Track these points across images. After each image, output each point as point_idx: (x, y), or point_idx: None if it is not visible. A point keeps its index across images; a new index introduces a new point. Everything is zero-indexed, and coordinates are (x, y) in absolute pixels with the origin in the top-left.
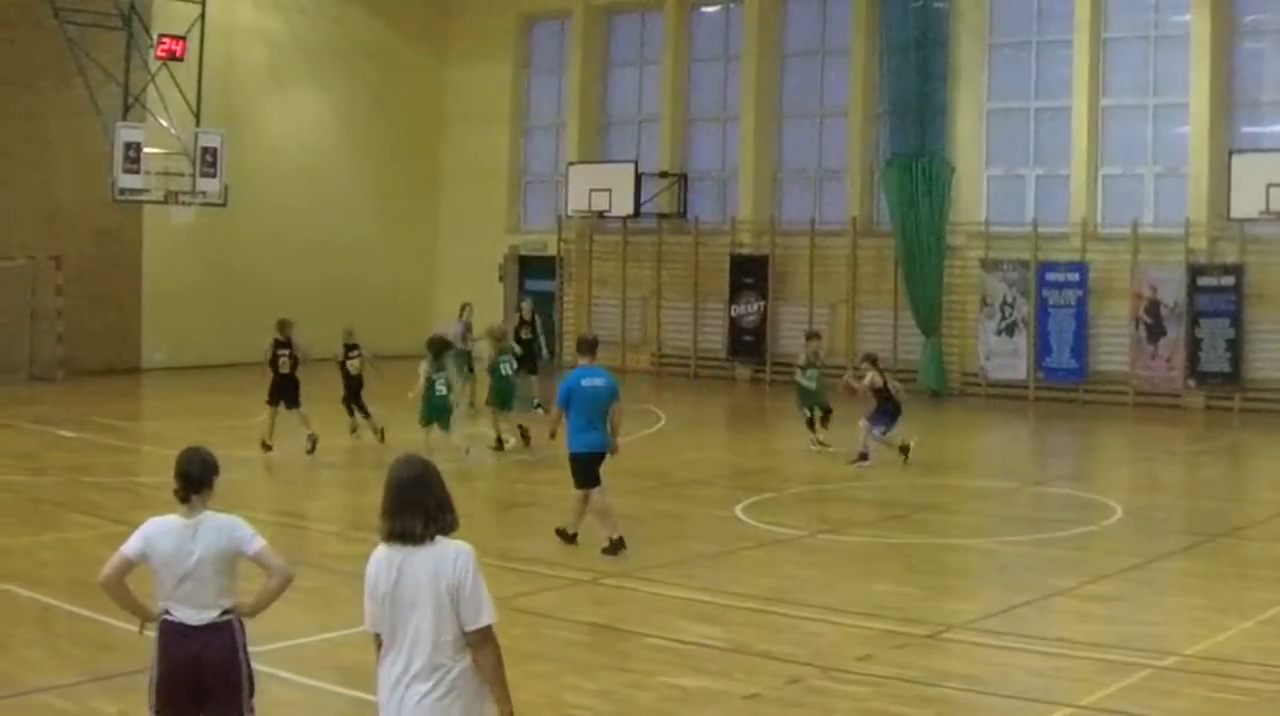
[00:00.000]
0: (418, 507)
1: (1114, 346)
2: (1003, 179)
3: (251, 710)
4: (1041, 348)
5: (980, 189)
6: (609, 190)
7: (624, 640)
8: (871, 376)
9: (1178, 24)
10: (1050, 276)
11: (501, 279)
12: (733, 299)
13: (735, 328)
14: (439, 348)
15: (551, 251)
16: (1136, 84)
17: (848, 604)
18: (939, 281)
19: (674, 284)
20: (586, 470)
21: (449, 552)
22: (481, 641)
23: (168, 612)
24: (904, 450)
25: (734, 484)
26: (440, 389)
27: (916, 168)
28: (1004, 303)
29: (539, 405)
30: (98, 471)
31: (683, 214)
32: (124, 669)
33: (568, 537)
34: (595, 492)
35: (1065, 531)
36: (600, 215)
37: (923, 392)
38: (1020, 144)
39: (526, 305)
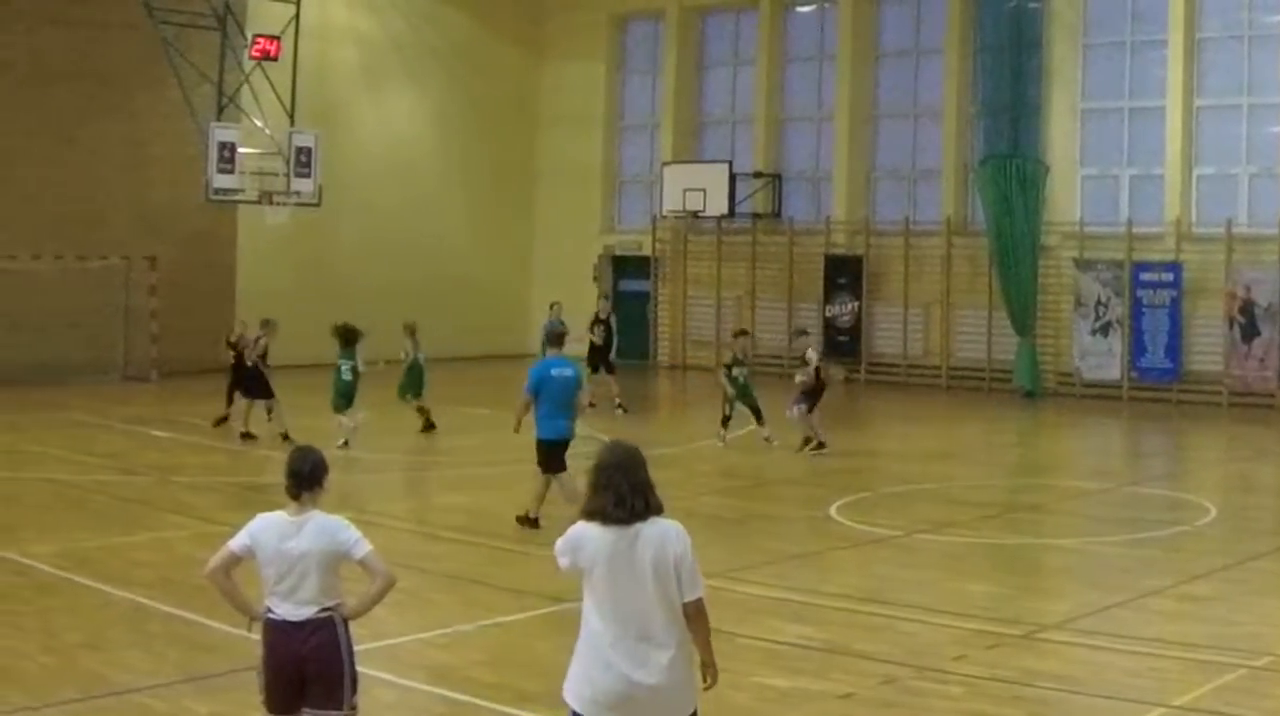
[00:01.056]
0: (639, 488)
1: (1208, 346)
2: (1097, 179)
3: (354, 708)
4: (1136, 348)
5: (1074, 189)
6: (703, 190)
7: (718, 640)
8: (810, 353)
9: (1272, 24)
10: (1144, 276)
11: (596, 279)
12: (827, 299)
13: (830, 328)
14: (348, 337)
15: (646, 251)
16: (1231, 84)
17: (942, 603)
18: (1033, 281)
19: (768, 284)
20: (554, 456)
21: (670, 530)
22: (697, 611)
23: (271, 610)
24: (806, 441)
25: (829, 484)
26: (346, 375)
27: (1011, 168)
28: (1098, 302)
29: (621, 405)
30: (190, 471)
31: (777, 214)
32: (218, 669)
33: (530, 522)
34: (564, 477)
35: (1159, 531)
36: (695, 215)
37: (1017, 393)
38: (1114, 144)
39: (603, 304)
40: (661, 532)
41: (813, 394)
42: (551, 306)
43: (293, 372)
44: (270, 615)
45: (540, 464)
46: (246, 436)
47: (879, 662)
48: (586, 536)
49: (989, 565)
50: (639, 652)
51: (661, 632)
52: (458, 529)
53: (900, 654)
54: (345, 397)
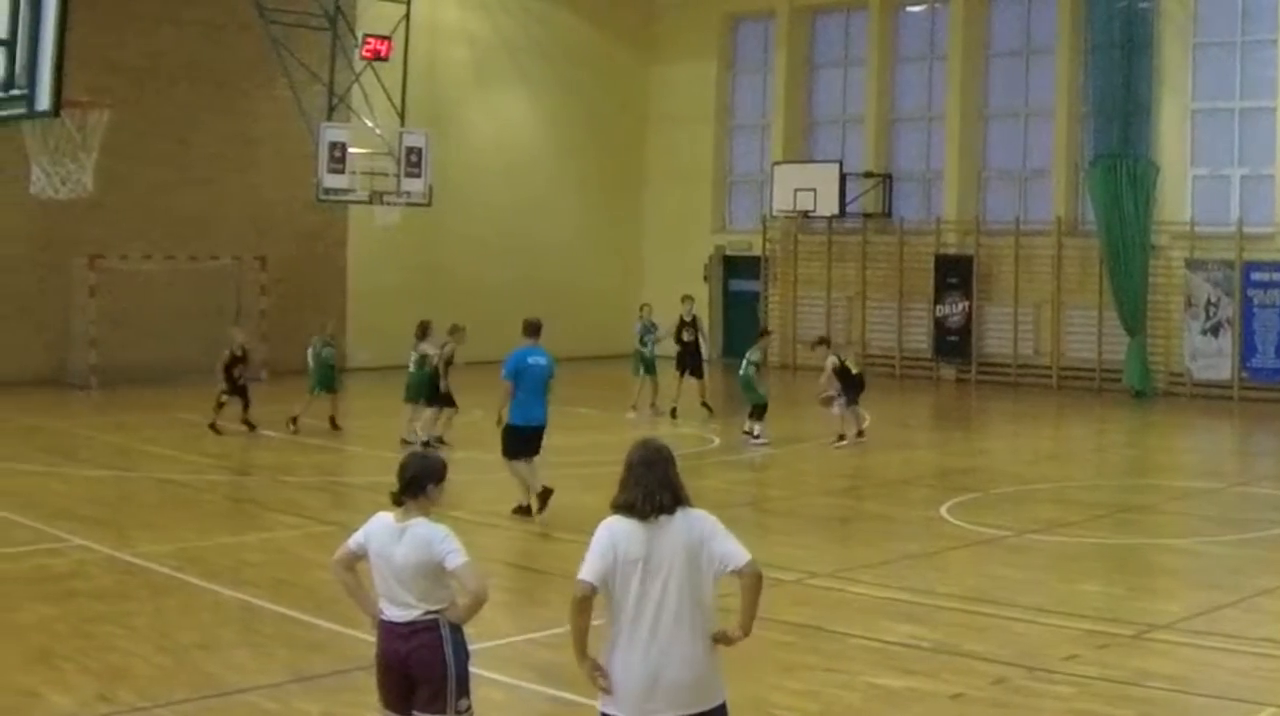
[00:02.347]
0: (667, 484)
1: None
2: (1207, 179)
3: (461, 710)
4: (1246, 348)
5: (1185, 189)
6: (814, 190)
7: (829, 640)
8: (831, 360)
9: None
10: (1255, 276)
11: (706, 279)
12: (937, 299)
13: (940, 327)
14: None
15: (756, 251)
16: None
17: (1053, 604)
18: (1143, 281)
19: (879, 284)
20: (524, 442)
21: (695, 516)
22: (752, 579)
23: (382, 611)
24: (860, 433)
25: (939, 484)
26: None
27: (1121, 168)
28: (1209, 303)
29: (706, 404)
30: (300, 471)
31: (887, 214)
32: (329, 669)
33: (524, 511)
34: (522, 465)
35: (1270, 531)
36: (805, 215)
37: (1127, 393)
38: (1225, 144)
39: (687, 306)
40: (688, 521)
41: (853, 387)
42: (641, 308)
43: (398, 373)
44: (381, 614)
45: (504, 450)
46: (428, 444)
47: (989, 663)
48: (618, 531)
49: (1099, 565)
50: (668, 643)
51: (689, 623)
52: (568, 528)
53: (1010, 654)
54: (418, 390)
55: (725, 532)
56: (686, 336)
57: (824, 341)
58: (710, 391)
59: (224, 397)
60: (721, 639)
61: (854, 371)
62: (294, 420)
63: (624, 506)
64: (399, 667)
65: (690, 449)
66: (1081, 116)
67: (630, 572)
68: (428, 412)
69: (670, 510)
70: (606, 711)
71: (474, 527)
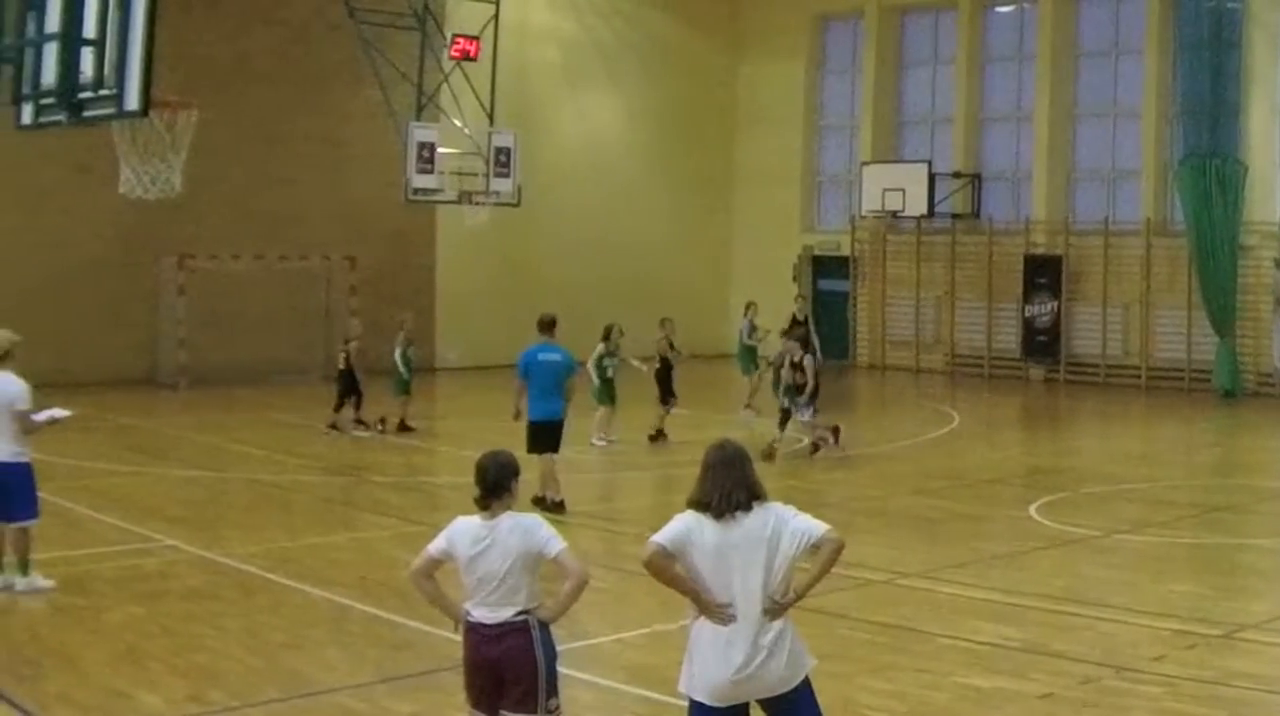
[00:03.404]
0: (742, 482)
1: None
2: None
3: (551, 711)
4: None
5: (1274, 189)
6: (902, 190)
7: (918, 640)
8: (803, 359)
9: None
10: None
11: (795, 279)
12: (1026, 299)
13: (1029, 327)
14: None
15: (845, 251)
16: None
17: (1141, 604)
18: (1233, 281)
19: (967, 284)
20: (541, 437)
21: (772, 507)
22: (834, 548)
23: (469, 613)
24: (816, 447)
25: (1028, 484)
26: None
27: (1210, 167)
28: None
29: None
30: (390, 471)
31: (976, 214)
32: (417, 669)
33: (542, 502)
34: (548, 458)
35: None
36: (894, 215)
37: (1216, 393)
38: None
39: (799, 305)
40: (764, 513)
41: (813, 394)
42: (747, 307)
43: (487, 373)
44: (469, 617)
45: (527, 445)
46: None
47: (1078, 663)
48: (694, 528)
49: (1188, 565)
50: (751, 632)
51: (769, 611)
52: (657, 528)
53: (1099, 654)
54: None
55: (799, 513)
56: (797, 335)
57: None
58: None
59: (346, 399)
60: (772, 610)
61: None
62: (400, 422)
63: (700, 504)
64: (489, 669)
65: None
66: (1170, 116)
67: (708, 566)
68: (601, 412)
69: (746, 507)
70: (694, 698)
71: (563, 527)
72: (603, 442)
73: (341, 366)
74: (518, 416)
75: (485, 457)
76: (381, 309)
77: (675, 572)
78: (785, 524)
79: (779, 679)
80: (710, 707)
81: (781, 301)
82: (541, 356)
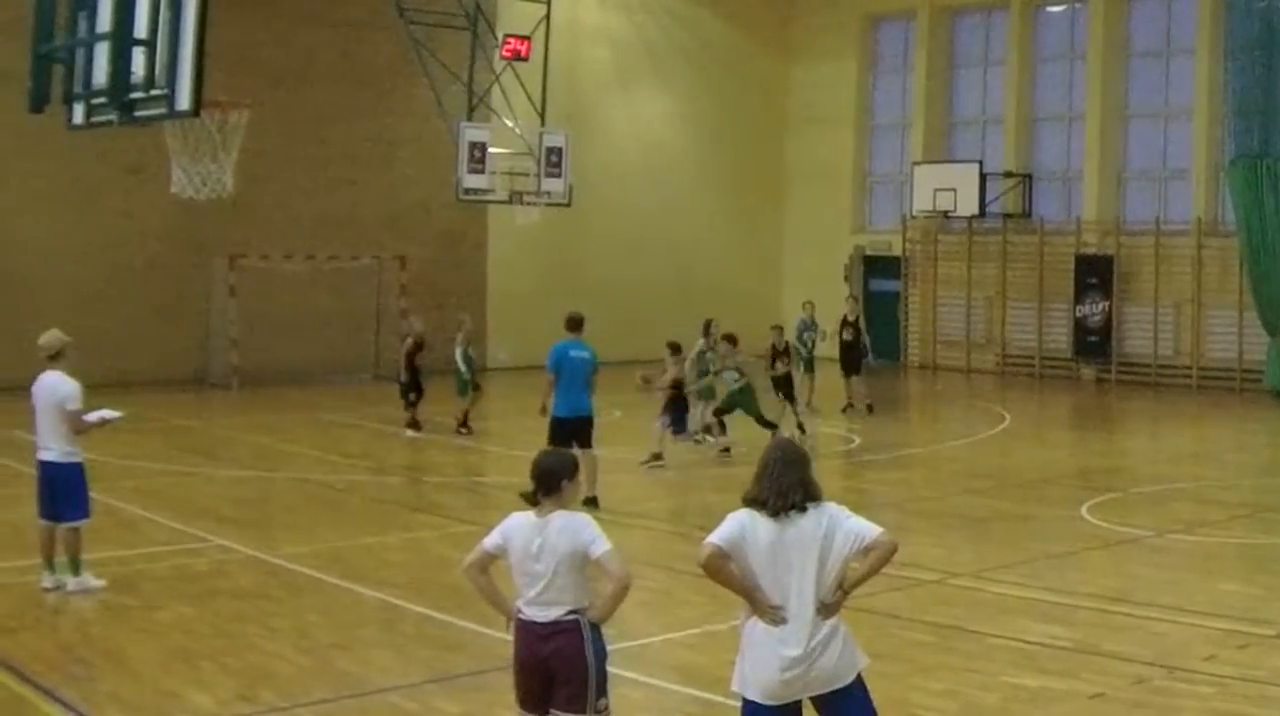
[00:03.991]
0: (800, 483)
1: None
2: None
3: (600, 711)
4: None
5: None
6: (954, 190)
7: (969, 640)
8: (674, 371)
9: None
10: None
11: (847, 279)
12: (1078, 299)
13: (1080, 327)
14: (731, 338)
15: (896, 251)
16: None
17: (1193, 603)
18: None
19: (1018, 284)
20: (570, 433)
21: (823, 508)
22: (886, 549)
23: (520, 611)
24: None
25: (1079, 484)
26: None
27: (1261, 168)
28: None
29: (871, 407)
30: (442, 471)
31: (1027, 214)
32: (468, 669)
33: (589, 501)
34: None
35: None
36: (945, 215)
37: (1268, 393)
38: None
39: (849, 305)
40: (818, 513)
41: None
42: (804, 305)
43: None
44: (520, 615)
45: (549, 440)
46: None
47: (1129, 663)
48: (749, 526)
49: (1240, 565)
50: (804, 631)
51: (822, 610)
52: (709, 528)
53: (1150, 654)
54: (712, 394)
55: (852, 514)
56: (847, 335)
57: (676, 349)
58: (860, 392)
59: (412, 395)
60: (823, 609)
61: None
62: (460, 421)
63: (756, 502)
64: (539, 668)
65: (832, 448)
66: (1221, 116)
67: (762, 564)
68: (701, 408)
69: (802, 507)
70: (747, 696)
71: (612, 527)
72: (707, 440)
73: (404, 364)
74: (544, 412)
75: (541, 456)
76: (432, 309)
77: (730, 572)
78: (839, 525)
79: (830, 676)
80: (763, 706)
81: (834, 302)
82: (573, 353)
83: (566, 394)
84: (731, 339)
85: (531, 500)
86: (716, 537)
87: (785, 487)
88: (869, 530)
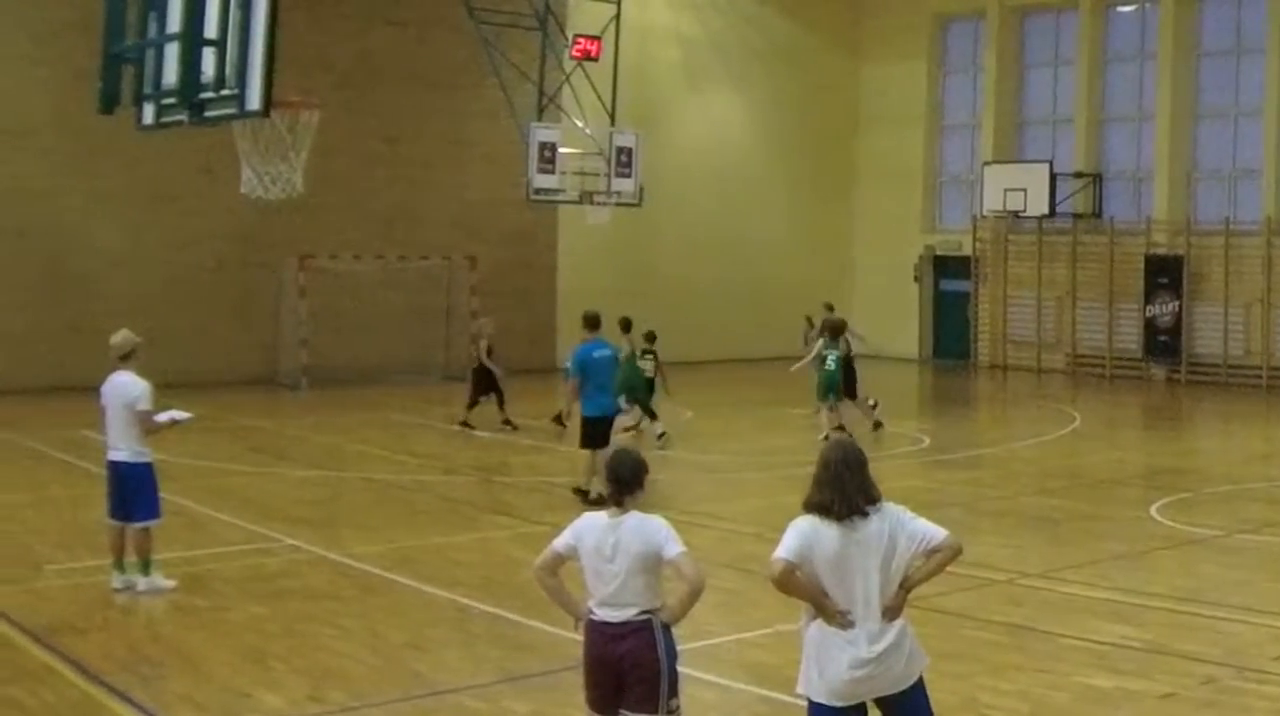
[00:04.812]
0: (862, 487)
1: None
2: None
3: (672, 710)
4: None
5: None
6: (1024, 190)
7: (1039, 640)
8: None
9: None
10: None
11: (917, 279)
12: (1147, 299)
13: (1150, 327)
14: (836, 329)
15: (967, 251)
16: None
17: (1263, 603)
18: None
19: (1089, 284)
20: (597, 432)
21: (885, 510)
22: (951, 546)
23: (592, 611)
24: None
25: (1149, 484)
26: (830, 365)
27: None
28: None
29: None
30: (511, 471)
31: (1097, 214)
32: (538, 669)
33: (584, 495)
34: (603, 454)
35: None
36: (1015, 215)
37: None
38: None
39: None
40: (880, 515)
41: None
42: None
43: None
44: (591, 615)
45: (583, 441)
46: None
47: (1200, 662)
48: (812, 534)
49: None
50: (870, 633)
51: (886, 612)
52: (779, 528)
53: (1220, 654)
54: (829, 388)
55: (915, 516)
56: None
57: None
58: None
59: (484, 397)
60: (888, 611)
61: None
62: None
63: (819, 507)
64: (610, 668)
65: (901, 448)
66: None
67: (828, 570)
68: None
69: (864, 512)
70: (814, 699)
71: (684, 527)
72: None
73: (475, 364)
74: (568, 416)
75: (616, 455)
76: (502, 309)
77: (801, 583)
78: (902, 527)
79: (897, 677)
80: (830, 707)
81: (904, 302)
82: (596, 353)
83: (596, 394)
84: (650, 337)
85: (611, 499)
86: (784, 552)
87: (849, 492)
88: (933, 532)
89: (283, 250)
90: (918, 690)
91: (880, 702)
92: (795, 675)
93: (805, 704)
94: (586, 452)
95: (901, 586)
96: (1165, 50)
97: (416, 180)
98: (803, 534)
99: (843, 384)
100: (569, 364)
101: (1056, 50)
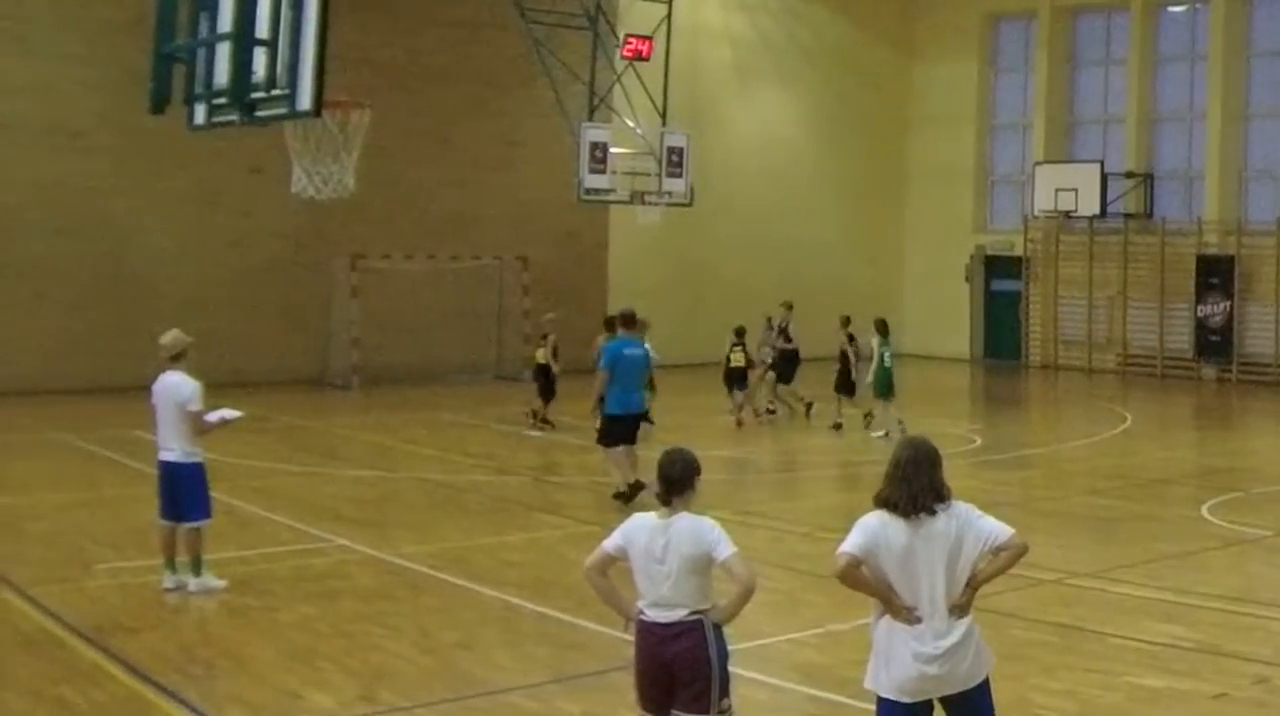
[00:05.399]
0: (932, 486)
1: None
2: None
3: (723, 710)
4: None
5: None
6: (1075, 190)
7: (1090, 640)
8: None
9: None
10: None
11: (968, 279)
12: (1199, 299)
13: (1201, 327)
14: (883, 326)
15: (1018, 251)
16: None
17: None
18: None
19: (1139, 284)
20: (623, 430)
21: (953, 508)
22: (1016, 546)
23: (642, 611)
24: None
25: (1200, 483)
26: (888, 362)
27: None
28: None
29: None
30: (563, 471)
31: (1148, 214)
32: (590, 669)
33: (626, 496)
34: (618, 452)
35: None
36: (1066, 215)
37: None
38: None
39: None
40: (949, 514)
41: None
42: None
43: (663, 373)
44: (641, 616)
45: (601, 438)
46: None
47: (1251, 663)
48: (880, 530)
49: None
50: (938, 630)
51: (953, 610)
52: (831, 528)
53: (1272, 654)
54: (886, 385)
55: (983, 514)
56: (782, 343)
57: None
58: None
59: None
60: (955, 608)
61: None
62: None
63: (889, 504)
64: (661, 669)
65: (951, 449)
66: None
67: (895, 566)
68: (879, 406)
69: (932, 511)
70: (882, 695)
71: (736, 527)
72: (881, 435)
73: (540, 361)
74: (597, 410)
75: (668, 455)
76: (553, 308)
77: (865, 579)
78: (970, 526)
79: (963, 675)
80: (897, 704)
81: (955, 302)
82: (627, 351)
83: (622, 391)
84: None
85: (663, 499)
86: (850, 546)
87: (917, 490)
88: (1000, 531)
89: (334, 250)
90: (983, 690)
91: (945, 701)
92: (847, 675)
93: (859, 702)
94: (614, 452)
95: (968, 585)
96: (1216, 50)
97: (468, 180)
98: (870, 529)
99: (782, 371)
100: (600, 359)
101: (1108, 50)
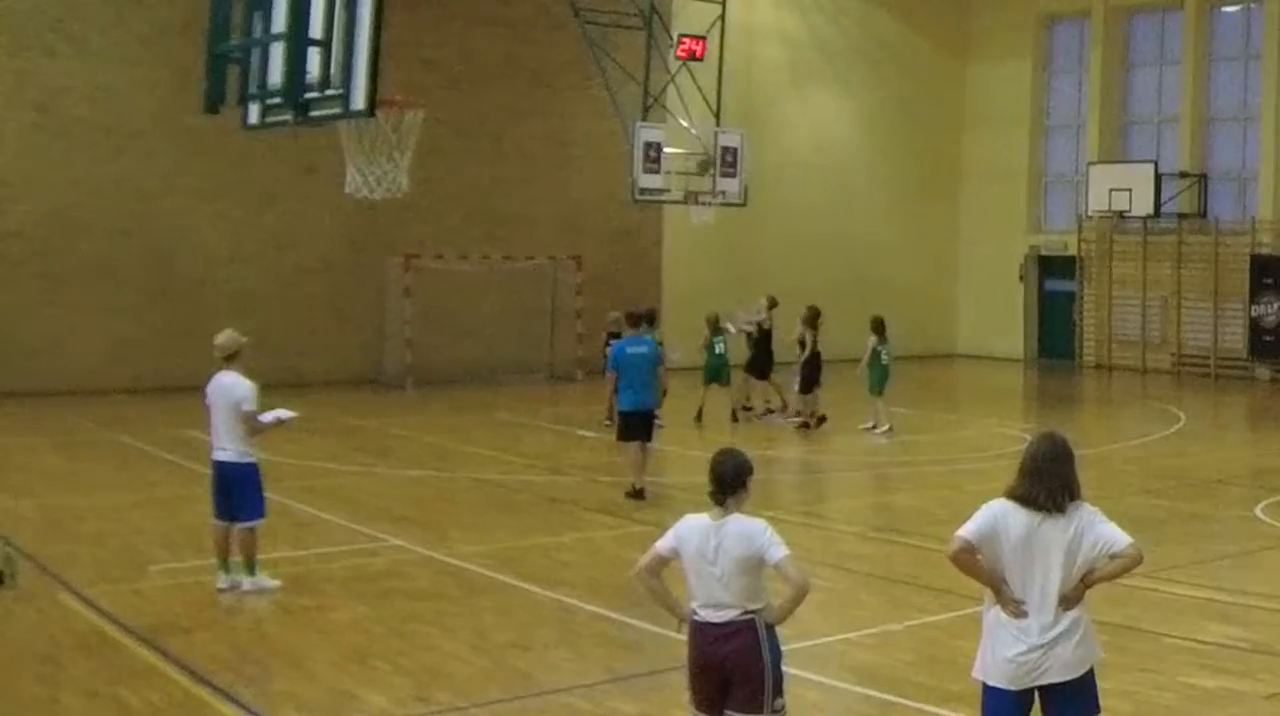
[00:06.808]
0: (1067, 484)
1: None
2: None
3: (777, 710)
4: None
5: None
6: (1129, 190)
7: (1143, 640)
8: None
9: None
10: None
11: (1022, 279)
12: (1253, 299)
13: (1255, 328)
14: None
15: (1072, 251)
16: None
17: None
18: None
19: (1193, 284)
20: (635, 426)
21: (1083, 511)
22: (1132, 555)
23: (695, 612)
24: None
25: (1255, 483)
26: (884, 360)
27: None
28: None
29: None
30: (616, 471)
31: (1203, 214)
32: (645, 669)
33: (637, 495)
34: (634, 447)
35: None
36: (1120, 215)
37: None
38: None
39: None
40: (1073, 514)
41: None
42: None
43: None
44: (695, 616)
45: (619, 435)
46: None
47: None
48: (1008, 516)
49: None
50: (1046, 621)
51: (1065, 603)
52: (883, 528)
53: None
54: (881, 382)
55: (1105, 519)
56: (757, 335)
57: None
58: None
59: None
60: (1065, 602)
61: None
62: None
63: (1022, 498)
64: (715, 669)
65: (1006, 449)
66: None
67: (1011, 558)
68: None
69: (1063, 509)
70: (988, 683)
71: (788, 527)
72: (879, 431)
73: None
74: (610, 409)
75: (721, 455)
76: (607, 309)
77: (977, 565)
78: (1090, 528)
79: (1067, 663)
80: (1002, 691)
81: (1009, 301)
82: (630, 349)
83: (629, 389)
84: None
85: (715, 500)
86: (967, 531)
87: (1050, 486)
88: (1118, 539)
89: (387, 250)
90: (1087, 682)
91: (1046, 691)
92: (901, 675)
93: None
94: (630, 448)
95: (1083, 581)
96: (1270, 50)
97: (521, 180)
98: (991, 516)
99: (761, 365)
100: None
101: (1161, 50)
